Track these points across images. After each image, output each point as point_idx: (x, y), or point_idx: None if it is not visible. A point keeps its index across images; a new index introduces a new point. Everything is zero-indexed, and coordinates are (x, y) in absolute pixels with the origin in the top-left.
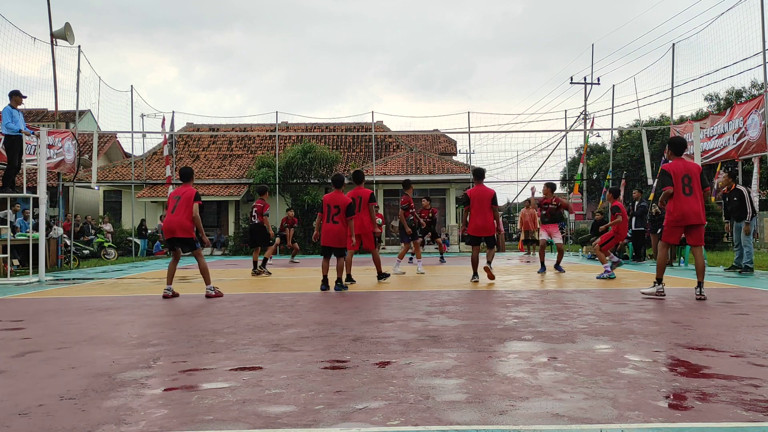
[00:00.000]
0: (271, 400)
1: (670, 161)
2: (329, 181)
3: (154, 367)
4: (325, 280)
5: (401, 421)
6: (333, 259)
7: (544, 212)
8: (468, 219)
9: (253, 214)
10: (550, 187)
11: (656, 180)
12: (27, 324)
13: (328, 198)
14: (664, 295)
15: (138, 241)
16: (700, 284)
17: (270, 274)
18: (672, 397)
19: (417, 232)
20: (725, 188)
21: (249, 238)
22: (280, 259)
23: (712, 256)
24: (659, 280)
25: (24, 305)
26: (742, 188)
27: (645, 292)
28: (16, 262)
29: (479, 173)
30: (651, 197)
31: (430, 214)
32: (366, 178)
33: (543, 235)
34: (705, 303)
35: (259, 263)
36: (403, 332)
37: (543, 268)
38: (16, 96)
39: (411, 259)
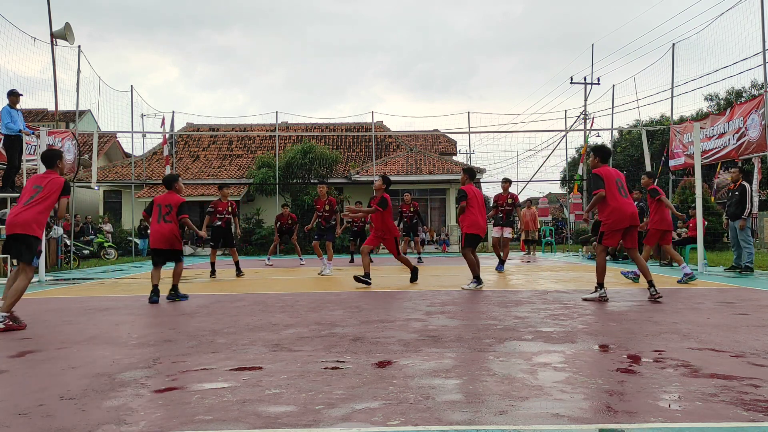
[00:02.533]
0: (271, 400)
1: (598, 167)
2: (329, 181)
3: (154, 367)
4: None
5: (401, 421)
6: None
7: (500, 214)
8: (466, 217)
9: (218, 216)
10: (508, 182)
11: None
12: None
13: (159, 198)
14: (607, 299)
15: (137, 240)
16: (651, 283)
17: (214, 274)
18: (672, 397)
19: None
20: (733, 183)
21: (214, 239)
22: (280, 260)
23: (711, 256)
24: (601, 285)
25: (24, 305)
26: (746, 184)
27: (587, 297)
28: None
29: (474, 173)
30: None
31: (412, 209)
32: (365, 179)
33: (497, 234)
34: (705, 303)
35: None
36: (403, 332)
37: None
38: (12, 96)
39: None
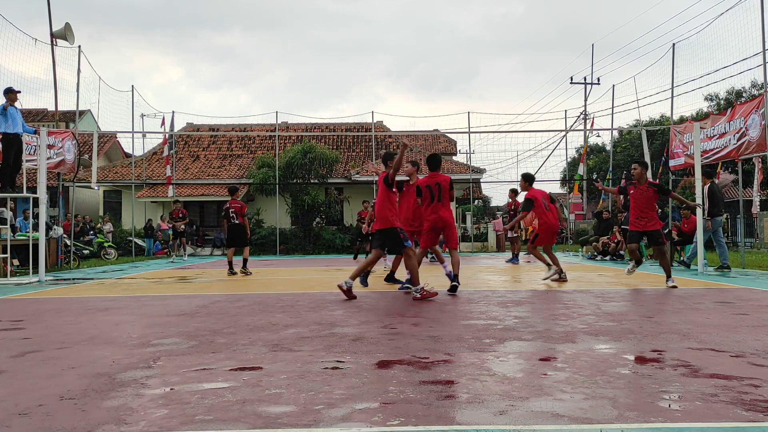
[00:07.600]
0: (271, 400)
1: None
2: (329, 181)
3: (154, 367)
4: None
5: (401, 421)
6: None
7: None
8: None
9: (232, 215)
10: (514, 192)
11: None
12: (27, 324)
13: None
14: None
15: (139, 241)
16: (455, 276)
17: (251, 273)
18: (672, 397)
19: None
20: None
21: (228, 238)
22: (284, 260)
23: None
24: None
25: (24, 305)
26: (713, 186)
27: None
28: (16, 262)
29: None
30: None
31: None
32: (365, 178)
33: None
34: (705, 303)
35: (235, 263)
36: (403, 332)
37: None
38: (9, 93)
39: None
